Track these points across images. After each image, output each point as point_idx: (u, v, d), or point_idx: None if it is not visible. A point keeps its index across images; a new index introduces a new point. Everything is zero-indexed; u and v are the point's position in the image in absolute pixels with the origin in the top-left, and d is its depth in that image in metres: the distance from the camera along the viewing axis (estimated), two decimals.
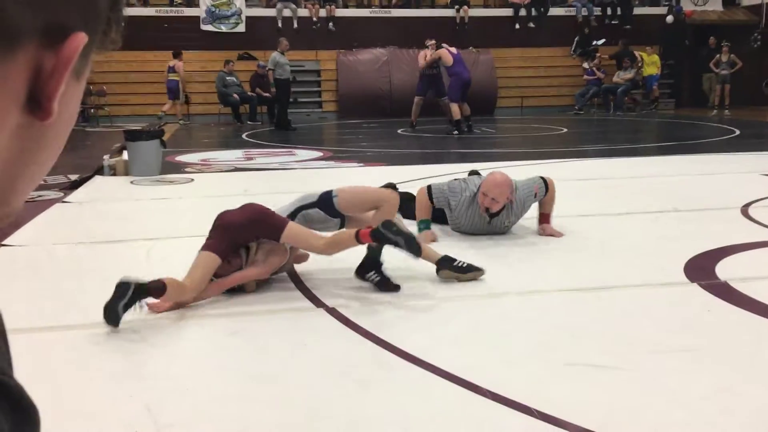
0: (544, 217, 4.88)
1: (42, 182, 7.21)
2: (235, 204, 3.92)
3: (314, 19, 18.30)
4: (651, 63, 18.20)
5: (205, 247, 3.56)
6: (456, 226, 4.91)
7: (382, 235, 3.39)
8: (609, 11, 19.60)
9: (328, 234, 3.71)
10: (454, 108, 12.47)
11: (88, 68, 0.45)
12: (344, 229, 3.78)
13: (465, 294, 3.59)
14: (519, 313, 3.32)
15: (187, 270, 3.44)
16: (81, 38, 0.43)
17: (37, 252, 4.50)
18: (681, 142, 11.25)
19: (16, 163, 0.44)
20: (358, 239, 3.47)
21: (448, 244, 4.61)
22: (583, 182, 7.01)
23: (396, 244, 3.39)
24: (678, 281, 3.75)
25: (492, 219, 4.69)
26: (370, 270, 3.65)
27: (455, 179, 5.01)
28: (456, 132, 12.41)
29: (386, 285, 3.62)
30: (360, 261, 3.67)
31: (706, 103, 17.98)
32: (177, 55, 15.97)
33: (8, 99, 0.41)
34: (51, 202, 6.10)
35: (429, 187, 4.84)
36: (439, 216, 4.96)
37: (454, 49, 12.85)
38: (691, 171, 7.60)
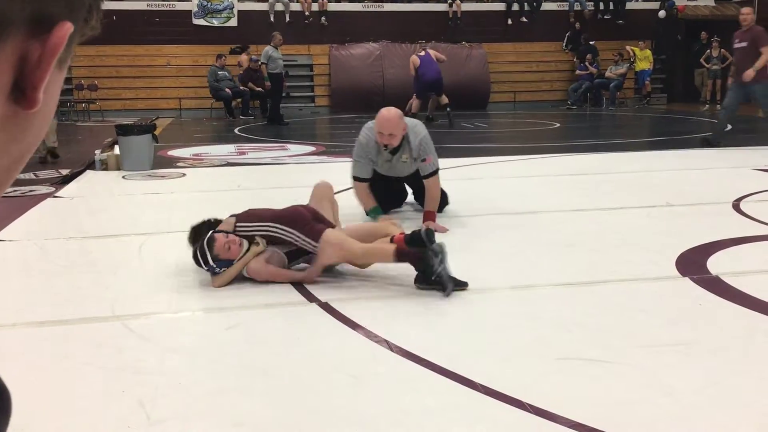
0: (428, 215, 4.88)
1: (33, 177, 7.18)
2: (227, 199, 3.91)
3: (306, 13, 18.26)
4: (643, 58, 18.25)
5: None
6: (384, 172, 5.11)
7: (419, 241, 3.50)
8: (602, 6, 19.63)
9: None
10: (414, 102, 13.00)
11: (70, 56, 0.46)
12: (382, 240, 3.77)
13: (456, 289, 3.59)
14: (512, 308, 3.33)
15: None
16: (67, 27, 0.43)
17: (28, 247, 4.48)
18: (673, 137, 11.28)
19: (1, 153, 0.44)
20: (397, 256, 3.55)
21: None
22: (575, 177, 7.03)
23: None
24: (670, 275, 3.76)
25: (393, 157, 4.89)
26: (428, 275, 3.50)
27: (359, 136, 5.07)
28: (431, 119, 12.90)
29: (454, 282, 3.47)
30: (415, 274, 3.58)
31: (698, 98, 18.04)
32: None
33: None
34: (42, 197, 6.08)
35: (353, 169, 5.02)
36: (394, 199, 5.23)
37: (423, 53, 13.12)
38: (683, 166, 7.63)
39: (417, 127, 4.95)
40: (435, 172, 4.93)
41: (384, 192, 5.15)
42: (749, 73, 8.76)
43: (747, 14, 9.17)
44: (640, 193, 6.05)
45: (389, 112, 4.78)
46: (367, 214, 4.98)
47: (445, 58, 13.63)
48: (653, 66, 18.35)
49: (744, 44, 9.04)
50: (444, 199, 5.25)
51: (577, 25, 18.78)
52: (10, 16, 0.40)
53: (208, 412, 2.36)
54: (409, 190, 5.54)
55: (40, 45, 0.42)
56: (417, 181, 5.15)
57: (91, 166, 7.79)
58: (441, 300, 3.44)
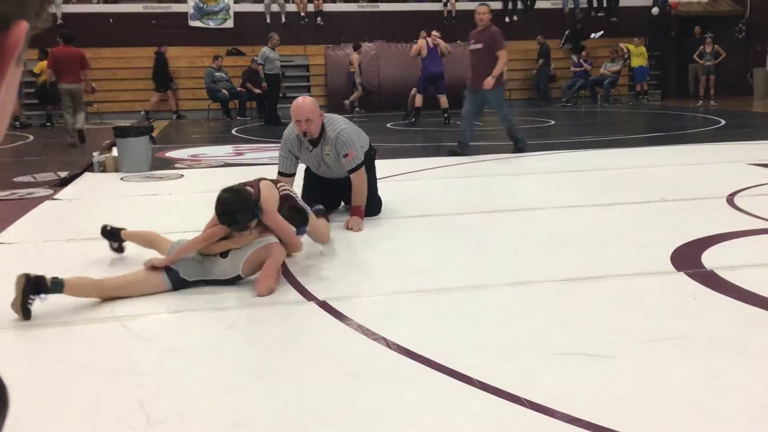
0: (355, 210, 4.97)
1: (32, 179, 7.19)
2: None
3: (302, 14, 18.27)
4: (638, 55, 18.28)
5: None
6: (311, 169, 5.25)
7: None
8: (595, 3, 19.66)
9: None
10: (418, 97, 12.94)
11: (25, 52, 0.46)
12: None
13: (455, 286, 3.61)
14: (509, 304, 3.35)
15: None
16: (23, 27, 0.44)
17: (27, 249, 4.49)
18: (667, 132, 11.31)
19: None
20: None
21: (426, 237, 4.64)
22: (570, 174, 7.06)
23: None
24: (665, 270, 3.78)
25: (314, 149, 4.93)
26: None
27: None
28: (411, 120, 12.89)
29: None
30: None
31: (691, 94, 18.08)
32: (356, 48, 16.14)
33: None
34: (41, 200, 6.09)
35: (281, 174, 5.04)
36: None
37: (431, 43, 12.93)
38: (678, 161, 7.66)
39: (335, 119, 5.01)
40: (359, 167, 4.94)
41: (317, 198, 4.96)
42: (489, 81, 8.12)
43: (483, 14, 8.43)
44: (635, 188, 6.08)
45: (303, 99, 4.88)
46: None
47: (451, 51, 13.63)
48: (648, 63, 18.39)
49: (479, 46, 8.37)
50: (378, 204, 5.26)
51: (579, 25, 18.78)
52: None
53: (207, 413, 2.37)
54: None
55: None
56: (347, 191, 5.09)
57: (89, 168, 7.80)
58: (438, 297, 3.46)
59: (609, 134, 11.18)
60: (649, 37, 19.14)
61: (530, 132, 12.54)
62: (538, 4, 19.32)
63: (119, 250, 4.25)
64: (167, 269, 3.54)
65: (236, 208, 3.59)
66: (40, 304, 3.20)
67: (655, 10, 19.19)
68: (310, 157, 5.06)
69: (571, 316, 3.15)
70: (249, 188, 3.77)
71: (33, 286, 3.15)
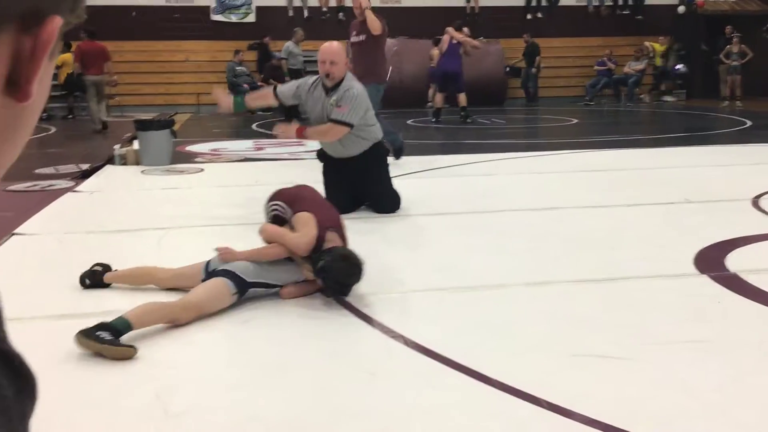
0: (300, 127, 5.19)
1: (53, 171, 7.25)
2: (245, 194, 3.93)
3: (324, 9, 18.27)
4: (663, 54, 18.09)
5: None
6: (308, 116, 5.32)
7: None
8: (620, 1, 19.49)
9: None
10: (437, 97, 12.85)
11: (59, 47, 0.47)
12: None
13: (473, 285, 3.59)
14: (527, 304, 3.32)
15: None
16: (57, 22, 0.44)
17: (48, 241, 4.53)
18: (692, 133, 11.19)
19: None
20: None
21: (446, 235, 4.62)
22: (593, 173, 7.00)
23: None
24: (688, 272, 3.74)
25: (324, 97, 5.02)
26: None
27: None
28: (433, 120, 12.73)
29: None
30: None
31: (718, 94, 17.87)
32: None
33: None
34: (62, 192, 6.14)
35: (275, 88, 5.36)
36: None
37: (454, 40, 12.77)
38: (702, 162, 7.57)
39: (356, 83, 5.14)
40: (341, 122, 4.98)
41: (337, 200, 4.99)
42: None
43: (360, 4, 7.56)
44: (658, 189, 6.01)
45: (332, 43, 5.17)
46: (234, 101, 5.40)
47: (479, 47, 13.47)
48: (674, 63, 18.18)
49: (361, 38, 7.63)
50: (396, 200, 5.28)
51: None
52: (5, 13, 0.41)
53: (224, 406, 2.37)
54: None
55: (32, 39, 0.43)
56: (369, 187, 5.20)
57: (110, 160, 7.85)
58: (457, 295, 3.44)
59: (632, 134, 11.08)
60: (675, 36, 18.94)
61: (552, 130, 12.51)
62: (563, 1, 19.18)
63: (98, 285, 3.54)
64: (229, 275, 3.24)
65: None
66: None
67: (681, 9, 18.98)
68: (314, 102, 5.12)
69: (590, 317, 3.12)
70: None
71: (97, 330, 2.74)
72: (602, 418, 2.21)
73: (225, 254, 3.34)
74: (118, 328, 2.77)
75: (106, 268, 3.56)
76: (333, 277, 3.20)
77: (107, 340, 2.69)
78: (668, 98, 17.91)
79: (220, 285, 3.18)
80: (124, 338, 2.77)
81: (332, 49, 5.06)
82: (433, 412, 2.30)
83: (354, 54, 7.71)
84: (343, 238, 3.49)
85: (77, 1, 0.47)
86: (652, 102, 17.84)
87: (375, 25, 7.35)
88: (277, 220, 3.60)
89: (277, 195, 3.76)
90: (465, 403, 2.37)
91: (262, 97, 5.69)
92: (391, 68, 5.74)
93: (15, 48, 0.43)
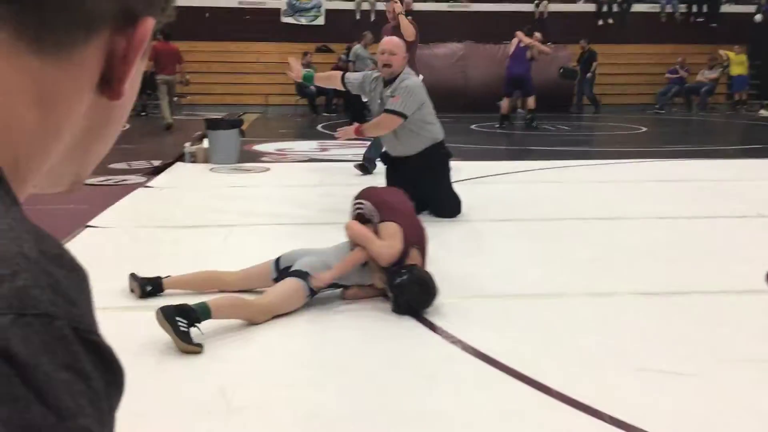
0: (356, 126, 5.32)
1: (126, 167, 7.48)
2: (309, 194, 3.97)
3: (390, 14, 18.32)
4: (739, 63, 17.55)
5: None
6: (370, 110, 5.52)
7: None
8: (695, 8, 18.99)
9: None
10: (504, 103, 12.72)
11: (150, 47, 0.48)
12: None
13: (534, 293, 3.57)
14: (589, 315, 3.28)
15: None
16: (150, 23, 0.46)
17: (119, 234, 4.68)
18: (766, 144, 10.82)
19: (86, 138, 0.48)
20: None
21: (506, 241, 4.58)
22: (661, 183, 6.85)
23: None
24: (759, 289, 3.63)
25: (383, 90, 5.14)
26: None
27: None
28: (497, 125, 12.59)
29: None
30: None
31: None
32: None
33: (85, 80, 0.45)
34: (134, 187, 6.33)
35: (343, 74, 5.61)
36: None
37: (522, 44, 12.66)
38: None
39: (413, 76, 5.27)
40: (394, 113, 5.03)
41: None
42: None
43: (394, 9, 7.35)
44: (730, 202, 5.85)
45: (392, 37, 5.42)
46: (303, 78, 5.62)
47: (549, 52, 13.38)
48: (748, 72, 17.62)
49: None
50: (457, 204, 5.24)
51: None
52: (99, 14, 0.43)
53: (285, 403, 2.42)
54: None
55: (126, 40, 0.45)
56: (429, 190, 5.09)
57: (180, 158, 8.05)
58: (516, 303, 3.42)
59: (703, 144, 10.79)
60: (751, 45, 18.35)
61: (620, 138, 12.26)
62: (635, 7, 18.80)
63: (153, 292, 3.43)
64: (302, 275, 3.24)
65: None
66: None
67: (758, 17, 18.39)
68: (374, 94, 5.27)
69: (654, 331, 3.06)
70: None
71: (175, 313, 2.79)
72: None
73: (318, 282, 3.26)
74: (197, 313, 2.83)
75: (156, 283, 3.42)
76: (406, 297, 3.21)
77: (181, 332, 2.75)
78: (764, 112, 17.05)
79: (296, 287, 3.20)
80: (201, 325, 2.84)
81: (392, 41, 5.25)
82: (491, 419, 2.30)
83: None
84: (423, 255, 3.47)
85: (168, 1, 0.49)
86: (725, 112, 17.31)
87: (408, 30, 7.34)
88: (360, 218, 3.57)
89: (365, 194, 3.70)
90: (524, 412, 2.36)
91: (331, 78, 5.80)
92: (422, 77, 5.50)
93: (109, 48, 0.45)
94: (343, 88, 5.62)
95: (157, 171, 7.27)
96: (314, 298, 3.32)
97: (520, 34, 12.78)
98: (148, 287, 3.39)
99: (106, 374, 0.40)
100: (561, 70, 15.52)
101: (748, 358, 2.77)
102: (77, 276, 0.41)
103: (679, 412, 2.35)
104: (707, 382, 2.57)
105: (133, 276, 3.44)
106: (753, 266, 3.95)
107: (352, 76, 5.57)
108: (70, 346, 0.37)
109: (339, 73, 5.79)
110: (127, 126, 12.66)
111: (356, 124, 5.46)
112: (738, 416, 2.33)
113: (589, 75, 17.29)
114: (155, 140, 10.54)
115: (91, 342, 0.39)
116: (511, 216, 5.32)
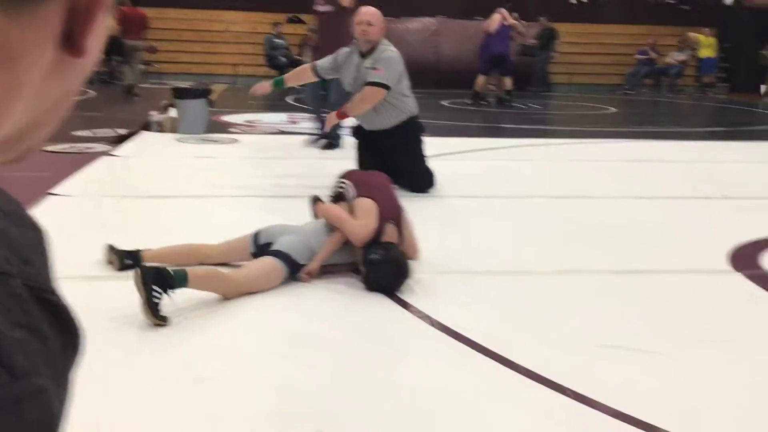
0: (338, 111, 5.14)
1: (90, 135, 7.33)
2: (278, 166, 3.94)
3: None
4: (707, 45, 17.73)
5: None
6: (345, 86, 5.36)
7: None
8: None
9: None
10: (479, 79, 12.56)
11: (114, 5, 0.46)
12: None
13: (501, 269, 3.58)
14: (557, 292, 3.30)
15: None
16: None
17: (84, 203, 4.59)
18: (733, 128, 10.98)
19: (46, 98, 0.46)
20: None
21: (476, 218, 4.59)
22: (629, 164, 6.91)
23: None
24: (721, 269, 3.68)
25: (359, 61, 5.05)
26: None
27: None
28: (469, 102, 12.53)
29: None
30: None
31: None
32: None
33: (46, 37, 0.42)
34: (98, 155, 6.21)
35: (314, 65, 5.42)
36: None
37: (507, 22, 12.56)
38: (743, 158, 7.43)
39: (392, 47, 5.16)
40: (377, 84, 4.97)
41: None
42: None
43: None
44: (696, 183, 5.92)
45: (369, 7, 5.25)
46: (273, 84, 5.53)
47: (524, 33, 13.35)
48: (717, 55, 17.82)
49: (328, 8, 6.85)
50: (430, 178, 5.22)
51: None
52: None
53: (250, 375, 2.40)
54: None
55: None
56: (402, 164, 5.06)
57: (146, 127, 7.92)
58: (485, 279, 3.43)
59: (671, 125, 10.91)
60: (721, 28, 18.54)
61: (589, 118, 12.34)
62: None
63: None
64: (282, 256, 3.20)
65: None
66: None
67: (728, 0, 18.57)
68: (349, 68, 5.16)
69: (619, 309, 3.09)
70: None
71: (153, 278, 2.73)
72: (628, 411, 2.20)
73: (307, 279, 3.24)
74: (174, 280, 2.78)
75: (135, 256, 3.30)
76: (378, 275, 3.18)
77: (153, 302, 2.69)
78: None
79: (275, 267, 3.16)
80: (175, 296, 2.80)
81: (370, 11, 5.16)
82: (459, 395, 2.30)
83: (319, 25, 7.24)
84: (400, 232, 3.44)
85: None
86: (692, 94, 17.52)
87: None
88: (340, 196, 3.57)
89: (348, 174, 3.72)
90: (491, 388, 2.37)
91: (301, 73, 5.63)
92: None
93: (72, 4, 0.42)
94: (317, 79, 5.49)
95: (122, 139, 7.14)
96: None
97: (504, 11, 12.63)
98: (127, 260, 3.28)
99: (63, 334, 0.39)
100: (519, 47, 15.44)
101: (711, 337, 2.81)
102: (34, 234, 0.39)
103: (642, 387, 2.37)
104: (671, 359, 2.60)
105: (111, 248, 3.34)
106: (717, 247, 4.00)
107: (324, 62, 5.33)
108: (24, 304, 0.36)
109: (308, 66, 5.60)
110: (91, 93, 12.43)
111: (337, 109, 5.21)
112: (700, 392, 2.36)
113: (551, 54, 17.09)
114: (121, 108, 10.35)
115: (47, 301, 0.38)
116: (481, 193, 5.33)
